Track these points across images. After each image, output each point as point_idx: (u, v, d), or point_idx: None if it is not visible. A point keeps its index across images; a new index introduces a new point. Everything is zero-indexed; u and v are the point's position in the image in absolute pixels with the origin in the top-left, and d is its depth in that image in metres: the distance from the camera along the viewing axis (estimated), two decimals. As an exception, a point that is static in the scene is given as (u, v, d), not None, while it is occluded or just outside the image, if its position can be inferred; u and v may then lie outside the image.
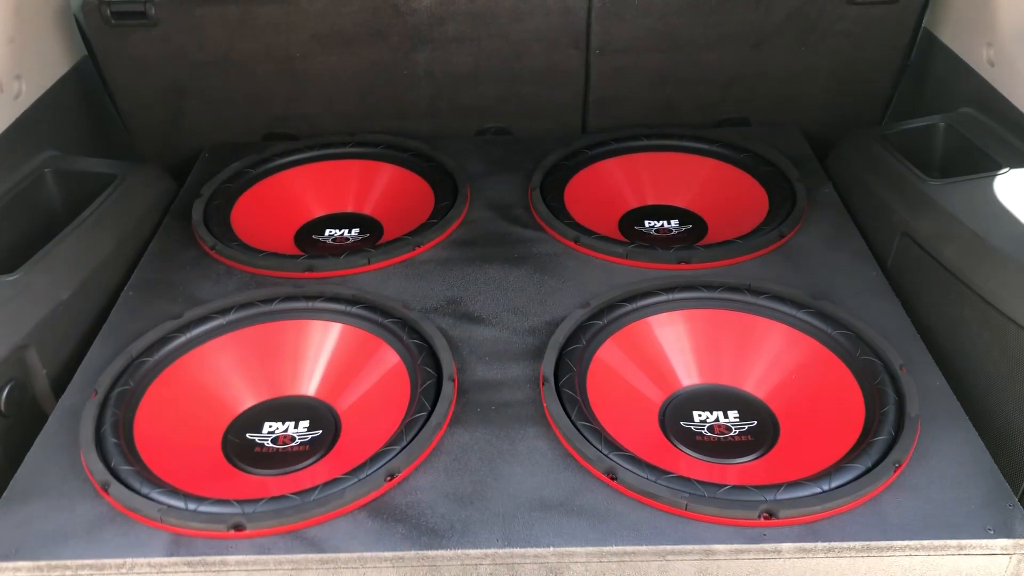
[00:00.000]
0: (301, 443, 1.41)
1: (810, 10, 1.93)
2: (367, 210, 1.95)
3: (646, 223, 1.88)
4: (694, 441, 1.39)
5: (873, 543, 1.15)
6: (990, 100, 1.80)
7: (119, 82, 2.01)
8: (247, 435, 1.42)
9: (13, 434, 1.41)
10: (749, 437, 1.40)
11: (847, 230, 1.75)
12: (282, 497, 1.21)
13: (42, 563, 1.16)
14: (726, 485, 1.21)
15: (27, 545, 1.18)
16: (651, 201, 1.95)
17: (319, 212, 1.94)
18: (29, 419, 1.45)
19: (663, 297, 1.53)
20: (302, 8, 1.90)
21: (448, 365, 1.41)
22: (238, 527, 1.17)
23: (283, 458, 1.38)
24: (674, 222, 1.88)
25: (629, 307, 1.52)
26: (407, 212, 1.88)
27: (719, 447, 1.38)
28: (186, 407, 1.43)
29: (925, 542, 1.15)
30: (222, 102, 2.05)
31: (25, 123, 1.81)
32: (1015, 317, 1.36)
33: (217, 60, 1.97)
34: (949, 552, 1.16)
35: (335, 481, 1.23)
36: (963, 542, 1.15)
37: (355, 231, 1.88)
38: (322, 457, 1.38)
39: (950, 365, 1.46)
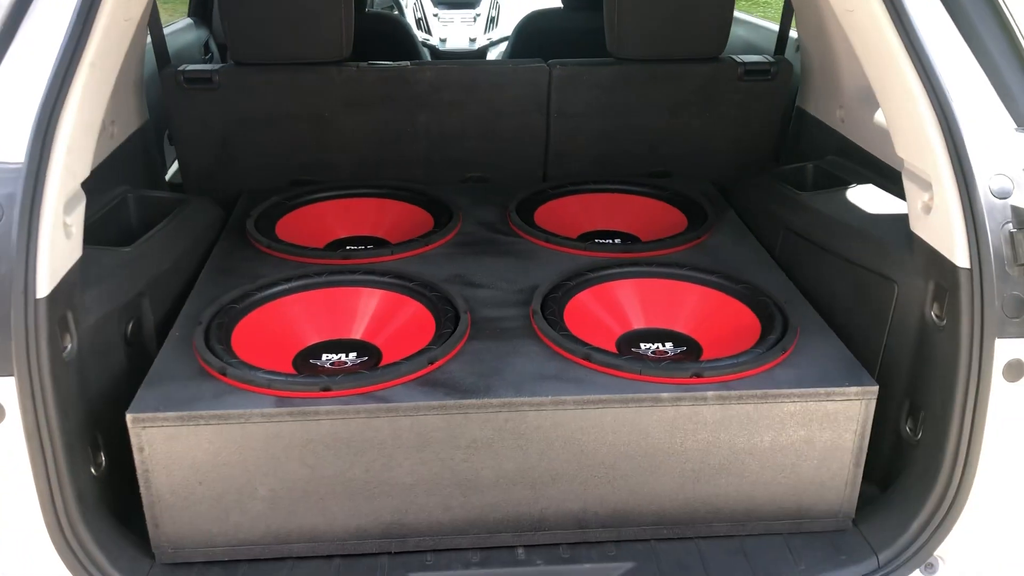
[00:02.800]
0: (352, 364, 1.89)
1: (711, 85, 2.61)
2: (380, 233, 2.48)
3: (596, 241, 2.45)
4: (643, 359, 1.92)
5: (769, 391, 1.68)
6: (846, 147, 2.46)
7: (182, 133, 2.54)
8: (310, 360, 1.90)
9: (133, 361, 1.86)
10: (681, 356, 1.93)
11: (746, 236, 2.35)
12: (356, 372, 1.69)
13: (183, 414, 1.60)
14: (665, 360, 1.73)
15: (171, 406, 1.62)
16: (599, 227, 2.53)
17: (343, 233, 2.47)
18: (142, 352, 1.90)
19: (616, 270, 2.08)
20: (333, 76, 2.50)
21: (462, 306, 1.92)
22: (326, 388, 1.64)
23: (340, 372, 1.86)
24: (618, 240, 2.46)
25: (592, 275, 2.06)
26: (412, 232, 2.42)
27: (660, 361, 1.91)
28: (264, 340, 1.90)
29: (805, 390, 1.68)
30: (260, 152, 2.60)
31: (114, 159, 2.31)
32: (865, 264, 1.94)
33: (262, 118, 2.53)
34: (819, 399, 1.69)
35: (393, 364, 1.71)
36: (829, 389, 1.68)
37: (370, 246, 2.41)
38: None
39: (823, 309, 2.03)
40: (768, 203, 2.36)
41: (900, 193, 2.14)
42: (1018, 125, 1.67)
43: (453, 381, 1.70)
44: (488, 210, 2.49)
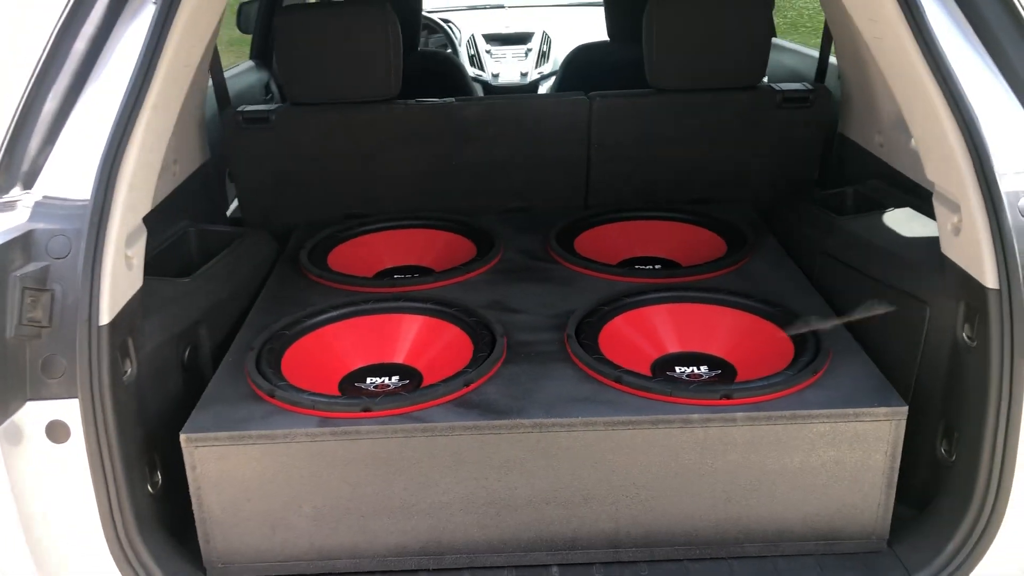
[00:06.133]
0: (395, 387, 1.97)
1: (750, 113, 2.65)
2: (426, 262, 2.56)
3: (636, 267, 2.50)
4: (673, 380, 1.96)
5: (798, 412, 1.70)
6: (885, 172, 2.48)
7: (241, 170, 2.68)
8: (355, 383, 1.99)
9: (189, 385, 1.97)
10: (715, 379, 1.97)
11: (784, 261, 2.37)
12: (396, 394, 1.76)
13: (233, 433, 1.70)
14: (697, 382, 1.77)
15: (222, 426, 1.72)
16: (639, 254, 2.58)
17: (391, 263, 2.56)
18: (199, 377, 2.00)
19: (651, 295, 2.13)
20: (381, 114, 2.61)
21: (499, 330, 1.99)
22: (367, 409, 1.72)
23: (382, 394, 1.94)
24: (658, 266, 2.51)
25: (627, 300, 2.11)
26: (457, 261, 2.50)
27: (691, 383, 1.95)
28: (312, 364, 1.99)
29: (833, 411, 1.70)
30: (314, 188, 2.72)
31: (175, 196, 2.45)
32: (898, 286, 1.96)
33: (316, 155, 2.65)
34: (848, 420, 1.71)
35: (431, 386, 1.79)
36: (858, 410, 1.70)
37: (416, 275, 2.49)
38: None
39: (858, 332, 2.04)
40: (804, 227, 2.39)
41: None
42: (1048, 147, 1.69)
43: (488, 403, 1.76)
44: (530, 239, 2.56)
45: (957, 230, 1.74)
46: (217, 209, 2.79)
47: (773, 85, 2.67)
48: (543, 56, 5.37)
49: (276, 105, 2.63)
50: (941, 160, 1.74)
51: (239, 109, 2.63)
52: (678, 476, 1.74)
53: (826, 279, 2.24)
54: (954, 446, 1.78)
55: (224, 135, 2.65)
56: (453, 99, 2.67)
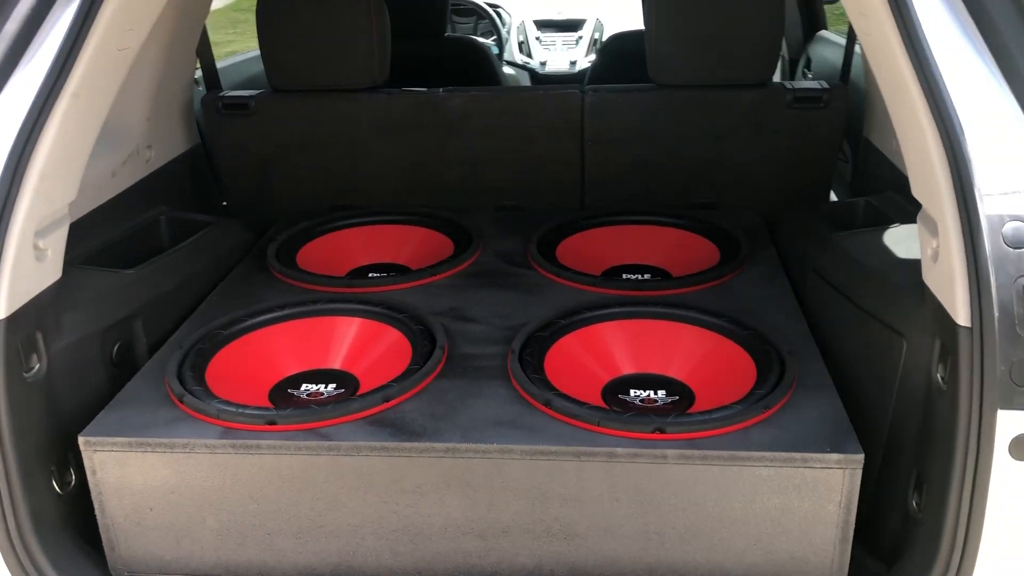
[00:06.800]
0: (327, 396, 1.86)
1: (758, 111, 2.43)
2: (403, 260, 2.44)
3: (623, 276, 2.33)
4: (627, 407, 1.79)
5: (738, 452, 1.52)
6: (901, 182, 2.24)
7: (222, 157, 2.61)
8: (287, 390, 1.88)
9: (117, 382, 1.90)
10: (671, 405, 1.79)
11: (777, 277, 2.16)
12: (306, 408, 1.65)
13: (132, 439, 1.61)
14: (631, 412, 1.60)
15: (123, 431, 1.64)
16: (628, 261, 2.40)
17: (365, 261, 2.45)
18: (130, 375, 1.93)
19: (613, 309, 1.96)
20: (364, 103, 2.50)
21: (441, 341, 1.85)
22: (271, 422, 1.62)
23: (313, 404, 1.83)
24: (646, 275, 2.33)
25: (588, 314, 1.95)
26: (434, 260, 2.37)
27: (646, 411, 1.77)
28: (244, 368, 1.89)
29: (778, 454, 1.52)
30: (298, 178, 2.63)
31: (149, 182, 2.39)
32: (876, 314, 1.75)
33: (298, 143, 2.56)
34: (795, 464, 1.52)
35: (346, 400, 1.67)
36: (807, 455, 1.51)
37: (389, 275, 2.37)
38: (341, 404, 1.82)
39: (836, 363, 1.84)
40: (799, 241, 2.17)
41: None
42: (1054, 165, 1.46)
43: (403, 422, 1.64)
44: (512, 241, 2.41)
45: (935, 256, 1.53)
46: (208, 196, 2.73)
47: (785, 83, 2.45)
48: (594, 44, 5.19)
49: (257, 91, 2.55)
50: (923, 176, 1.54)
51: (220, 94, 2.56)
52: (605, 514, 1.59)
53: (813, 300, 2.03)
54: (923, 499, 1.58)
55: (204, 120, 2.59)
56: (440, 89, 2.54)
